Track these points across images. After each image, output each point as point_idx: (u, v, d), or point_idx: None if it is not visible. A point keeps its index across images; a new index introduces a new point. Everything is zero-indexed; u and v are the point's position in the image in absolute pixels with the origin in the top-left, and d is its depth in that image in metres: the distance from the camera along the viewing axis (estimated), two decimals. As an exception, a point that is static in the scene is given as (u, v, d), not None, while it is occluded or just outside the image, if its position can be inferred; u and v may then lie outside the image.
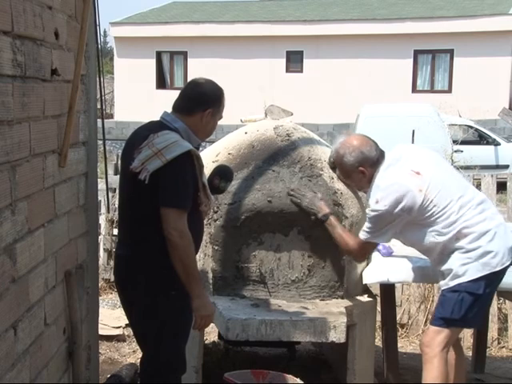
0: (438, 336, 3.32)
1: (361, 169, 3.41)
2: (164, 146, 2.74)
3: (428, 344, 3.34)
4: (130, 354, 4.87)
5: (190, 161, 2.81)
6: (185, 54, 22.39)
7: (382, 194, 3.27)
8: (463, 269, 3.24)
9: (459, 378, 3.60)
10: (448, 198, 3.27)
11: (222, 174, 3.24)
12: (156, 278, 2.87)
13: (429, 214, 3.26)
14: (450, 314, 3.28)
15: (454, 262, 3.27)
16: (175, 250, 2.74)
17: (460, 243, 3.25)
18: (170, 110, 2.99)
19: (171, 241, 2.73)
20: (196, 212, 2.90)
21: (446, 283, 3.31)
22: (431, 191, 3.25)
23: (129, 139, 3.00)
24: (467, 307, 3.26)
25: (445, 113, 14.59)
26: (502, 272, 3.30)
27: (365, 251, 3.48)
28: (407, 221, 3.28)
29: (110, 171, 7.96)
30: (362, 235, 3.37)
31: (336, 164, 3.55)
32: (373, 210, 3.29)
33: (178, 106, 2.97)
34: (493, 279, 3.28)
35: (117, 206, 6.77)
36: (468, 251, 3.24)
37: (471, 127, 14.38)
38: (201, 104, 2.93)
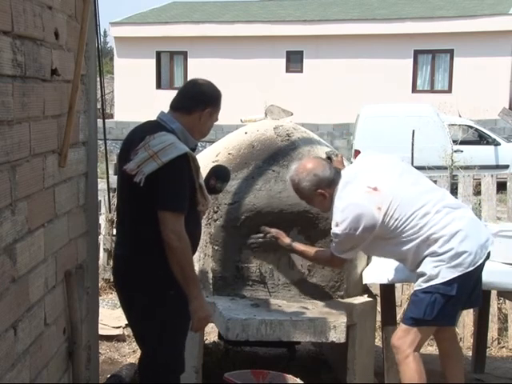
0: (408, 336, 3.30)
1: (319, 191, 3.34)
2: (160, 149, 2.72)
3: (398, 345, 3.32)
4: (130, 353, 4.87)
5: (187, 163, 2.80)
6: (185, 54, 22.38)
7: (340, 216, 3.25)
8: (436, 270, 3.20)
9: (457, 378, 3.58)
10: (410, 208, 3.22)
11: (219, 174, 3.23)
12: (154, 278, 2.86)
13: (391, 228, 3.23)
14: (422, 315, 3.25)
15: (427, 266, 3.23)
16: (173, 253, 2.74)
17: (431, 249, 3.21)
18: (167, 110, 2.98)
19: (169, 244, 2.73)
20: (193, 212, 2.89)
21: (419, 284, 3.27)
22: (391, 206, 3.21)
23: (126, 139, 2.99)
24: (439, 308, 3.23)
25: (445, 113, 14.59)
26: (476, 271, 3.26)
27: (339, 262, 3.46)
28: (372, 237, 3.26)
29: (110, 171, 7.94)
30: (332, 249, 3.38)
31: (295, 191, 3.45)
32: (334, 234, 3.29)
33: (177, 105, 2.95)
34: (465, 279, 3.23)
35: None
36: (440, 255, 3.20)
37: (471, 127, 14.39)
38: (200, 103, 2.92)
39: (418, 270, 3.28)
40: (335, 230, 3.27)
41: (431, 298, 3.23)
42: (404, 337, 3.31)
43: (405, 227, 3.22)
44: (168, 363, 2.96)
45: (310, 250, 3.53)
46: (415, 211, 3.22)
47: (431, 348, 4.75)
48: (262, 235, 3.58)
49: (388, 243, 3.29)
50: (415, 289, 3.32)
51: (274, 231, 3.56)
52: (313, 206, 3.50)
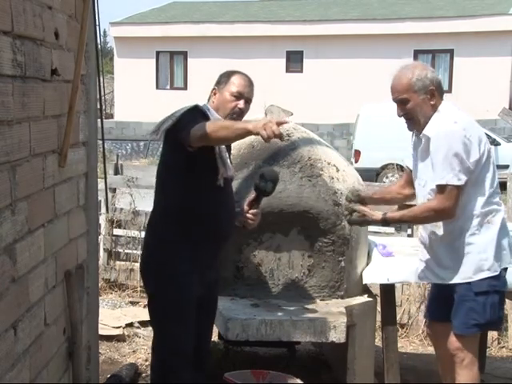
0: (472, 344, 3.21)
1: (431, 88, 3.19)
2: (176, 111, 2.96)
3: (463, 349, 3.18)
4: (130, 353, 4.87)
5: (200, 112, 2.96)
6: (185, 54, 22.37)
7: (458, 117, 3.13)
8: (490, 258, 3.11)
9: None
10: (496, 174, 3.23)
11: (263, 173, 3.21)
12: (149, 252, 3.08)
13: (480, 173, 3.13)
14: (489, 318, 3.15)
15: (487, 249, 3.11)
16: (208, 138, 2.77)
17: (491, 232, 3.14)
18: (170, 110, 3.07)
19: (200, 140, 2.79)
20: (215, 187, 2.97)
21: (470, 276, 3.11)
22: (491, 155, 3.21)
23: None
24: (498, 307, 3.19)
25: (445, 113, 14.55)
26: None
27: (451, 200, 3.06)
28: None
29: (110, 171, 7.94)
30: (440, 180, 3.06)
31: (412, 78, 3.21)
32: (450, 131, 3.06)
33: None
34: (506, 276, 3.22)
35: (117, 206, 6.80)
36: (500, 239, 3.14)
37: (471, 127, 14.36)
38: (213, 87, 3.14)
39: (476, 250, 3.12)
40: (452, 126, 3.08)
41: (493, 298, 3.14)
42: (470, 342, 3.21)
43: (489, 180, 3.18)
44: (170, 352, 3.01)
45: (407, 211, 3.29)
46: (496, 186, 3.22)
47: (431, 348, 4.75)
48: (358, 215, 3.36)
49: (473, 192, 3.14)
50: (465, 281, 3.13)
51: (360, 209, 3.36)
52: (411, 107, 3.21)
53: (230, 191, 3.16)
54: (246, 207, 3.20)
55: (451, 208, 3.08)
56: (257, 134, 2.65)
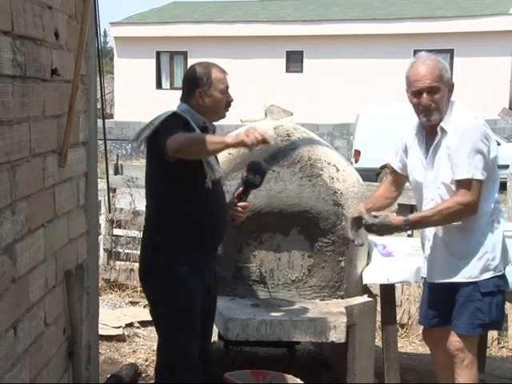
0: (474, 344, 3.20)
1: (452, 83, 3.14)
2: (155, 118, 2.93)
3: (464, 349, 3.16)
4: (130, 354, 4.87)
5: (181, 120, 2.91)
6: (185, 54, 22.37)
7: (474, 113, 3.12)
8: (497, 257, 3.10)
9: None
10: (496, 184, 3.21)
11: (250, 166, 3.20)
12: (148, 258, 3.03)
13: (493, 171, 3.11)
14: (494, 318, 3.14)
15: (496, 248, 3.10)
16: (184, 151, 2.77)
17: (498, 230, 3.14)
18: (169, 109, 3.05)
19: (176, 153, 2.75)
20: (205, 189, 2.94)
21: (476, 276, 3.09)
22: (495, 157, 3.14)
23: None
24: (501, 307, 3.19)
25: (445, 113, 14.56)
26: None
27: (476, 195, 3.01)
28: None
29: (110, 171, 7.94)
30: (467, 174, 3.00)
31: (442, 68, 3.14)
32: (473, 125, 3.05)
33: (181, 96, 3.10)
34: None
35: (117, 206, 6.81)
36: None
37: (471, 127, 14.36)
38: (190, 89, 3.04)
39: (481, 251, 3.09)
40: (474, 121, 3.07)
41: (498, 298, 3.13)
42: (472, 342, 3.19)
43: (495, 182, 3.15)
44: (170, 355, 3.01)
45: (428, 209, 3.12)
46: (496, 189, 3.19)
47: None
48: (378, 220, 3.08)
49: (485, 193, 3.10)
50: (471, 280, 3.10)
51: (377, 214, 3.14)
52: (439, 98, 3.11)
53: (221, 192, 3.13)
54: (234, 200, 3.19)
55: (477, 203, 3.03)
56: (235, 146, 2.73)
